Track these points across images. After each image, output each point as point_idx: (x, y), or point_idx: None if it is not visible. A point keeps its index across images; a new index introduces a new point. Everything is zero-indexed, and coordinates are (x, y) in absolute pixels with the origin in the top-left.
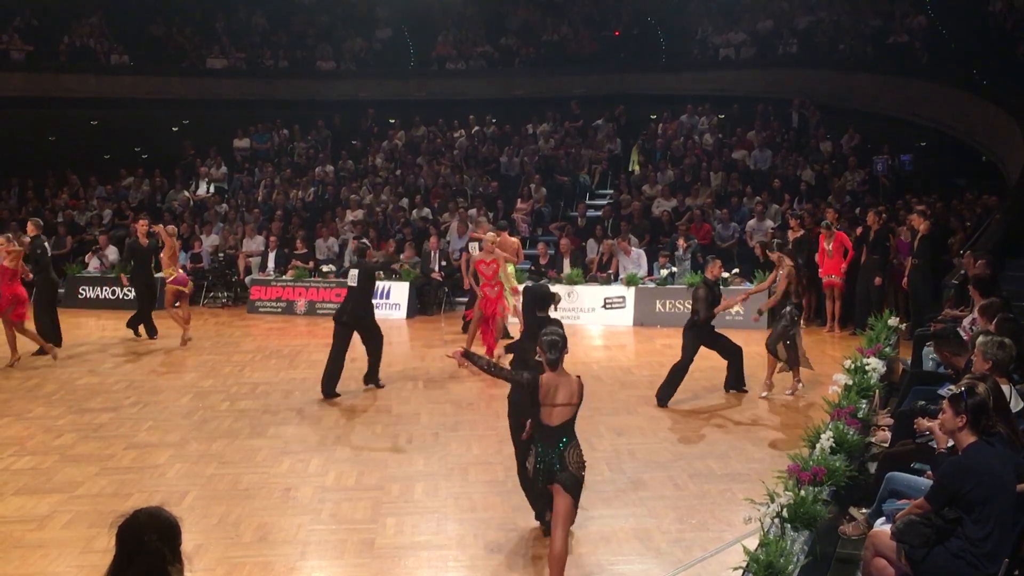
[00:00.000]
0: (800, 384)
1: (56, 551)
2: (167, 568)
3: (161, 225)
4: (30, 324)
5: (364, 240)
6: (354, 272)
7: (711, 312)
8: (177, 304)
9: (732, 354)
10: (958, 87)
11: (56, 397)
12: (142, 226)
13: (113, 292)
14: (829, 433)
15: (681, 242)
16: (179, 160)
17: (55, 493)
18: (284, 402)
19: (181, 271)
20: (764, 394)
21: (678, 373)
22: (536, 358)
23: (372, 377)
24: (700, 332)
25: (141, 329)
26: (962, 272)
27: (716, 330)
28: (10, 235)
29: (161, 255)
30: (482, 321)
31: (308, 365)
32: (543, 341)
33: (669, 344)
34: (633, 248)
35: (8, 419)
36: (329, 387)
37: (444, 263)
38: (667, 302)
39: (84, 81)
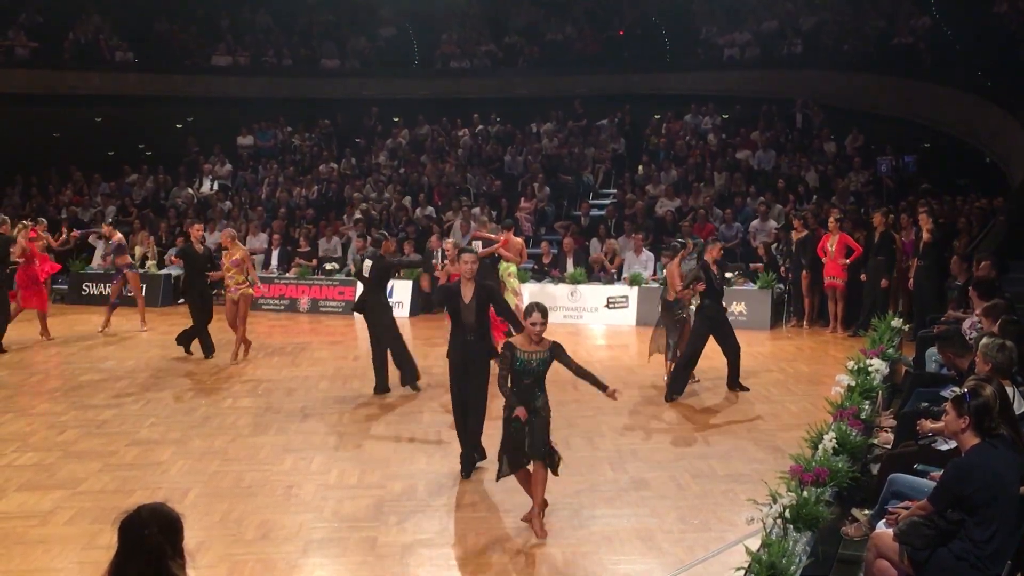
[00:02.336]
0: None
1: (59, 547)
2: (167, 563)
3: (227, 231)
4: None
5: (383, 231)
6: (368, 263)
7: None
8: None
9: (733, 352)
10: (962, 88)
11: (59, 393)
12: (197, 231)
13: None
14: (832, 434)
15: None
16: (183, 157)
17: (58, 489)
18: (286, 400)
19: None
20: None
21: (688, 364)
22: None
23: (409, 378)
24: (712, 320)
25: (195, 346)
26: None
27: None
28: (27, 222)
29: (223, 261)
30: None
31: (311, 363)
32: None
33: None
34: (644, 248)
35: (11, 415)
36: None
37: (447, 262)
38: None
39: (88, 78)
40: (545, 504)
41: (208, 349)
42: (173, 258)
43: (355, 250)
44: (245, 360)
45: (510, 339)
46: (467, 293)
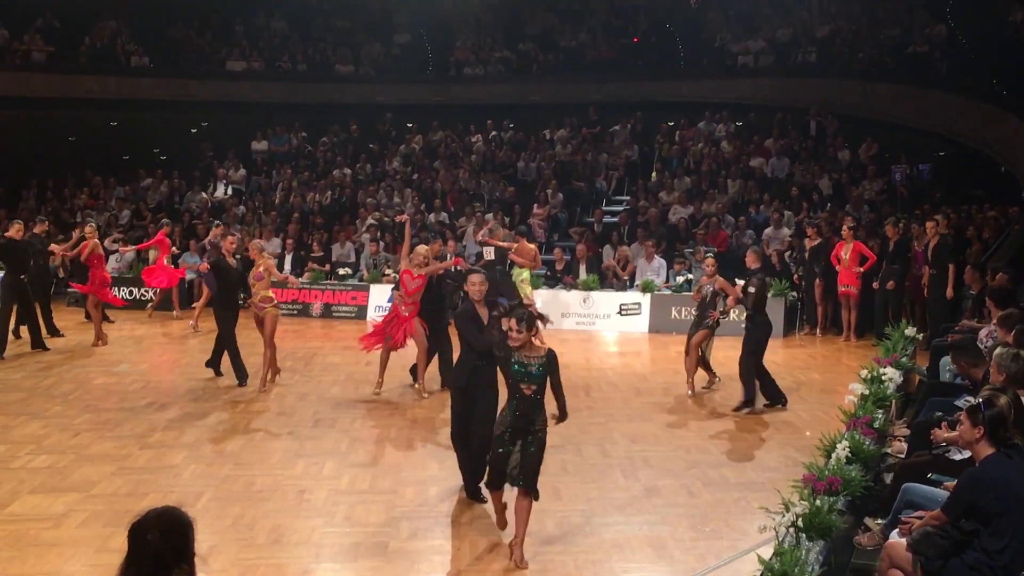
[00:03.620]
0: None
1: (71, 550)
2: (169, 568)
3: (256, 242)
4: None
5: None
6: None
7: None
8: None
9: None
10: (977, 97)
11: (73, 397)
12: (230, 242)
13: (130, 292)
14: (845, 443)
15: (700, 252)
16: (197, 162)
17: (71, 492)
18: (299, 404)
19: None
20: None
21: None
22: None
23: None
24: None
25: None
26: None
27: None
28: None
29: (249, 276)
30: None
31: (323, 368)
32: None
33: (684, 351)
34: (656, 256)
35: (25, 417)
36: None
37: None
38: (683, 309)
39: (104, 83)
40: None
41: (242, 375)
42: (205, 265)
43: (368, 255)
44: (273, 385)
45: (509, 341)
46: (483, 314)
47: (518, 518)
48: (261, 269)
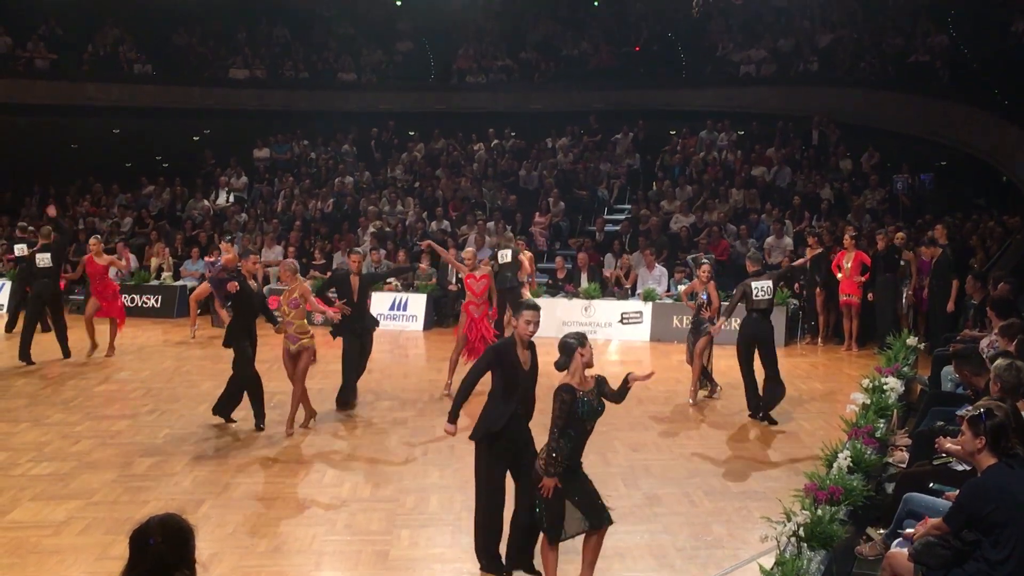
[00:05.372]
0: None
1: (72, 557)
2: (172, 572)
3: (286, 262)
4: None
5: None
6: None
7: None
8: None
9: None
10: (979, 107)
11: (74, 404)
12: (253, 262)
13: (132, 300)
14: (847, 452)
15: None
16: (200, 169)
17: (72, 499)
18: (300, 412)
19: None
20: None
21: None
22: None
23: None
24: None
25: (243, 412)
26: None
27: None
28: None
29: (281, 301)
30: (467, 345)
31: (324, 376)
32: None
33: (685, 360)
34: (657, 264)
35: (26, 424)
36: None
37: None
38: (684, 318)
39: (107, 90)
40: None
41: (260, 415)
42: (235, 284)
43: (370, 263)
44: (306, 431)
45: (565, 382)
46: (524, 357)
47: (595, 556)
48: (296, 295)
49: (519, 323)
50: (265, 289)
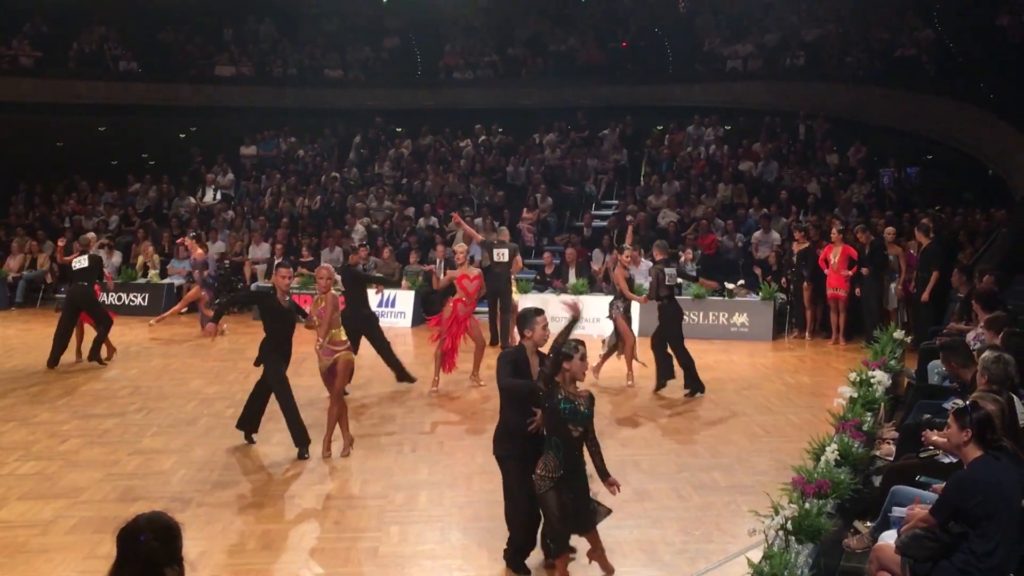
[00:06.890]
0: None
1: (60, 556)
2: (162, 568)
3: (322, 268)
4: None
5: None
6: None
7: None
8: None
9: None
10: (965, 100)
11: (61, 403)
12: (283, 277)
13: (119, 298)
14: (834, 446)
15: (688, 254)
16: (186, 167)
17: (59, 498)
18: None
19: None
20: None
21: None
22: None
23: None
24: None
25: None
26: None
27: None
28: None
29: (311, 312)
30: (442, 336)
31: (312, 373)
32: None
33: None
34: (643, 259)
35: (13, 424)
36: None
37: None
38: None
39: (93, 87)
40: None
41: (300, 440)
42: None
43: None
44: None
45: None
46: (534, 364)
47: (599, 546)
48: (323, 305)
49: (536, 330)
50: (253, 286)
